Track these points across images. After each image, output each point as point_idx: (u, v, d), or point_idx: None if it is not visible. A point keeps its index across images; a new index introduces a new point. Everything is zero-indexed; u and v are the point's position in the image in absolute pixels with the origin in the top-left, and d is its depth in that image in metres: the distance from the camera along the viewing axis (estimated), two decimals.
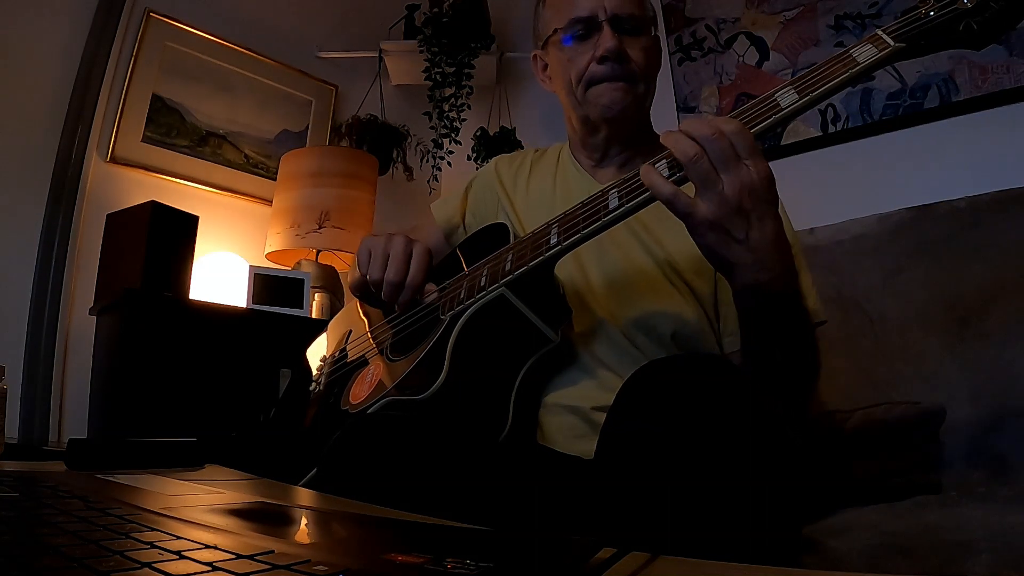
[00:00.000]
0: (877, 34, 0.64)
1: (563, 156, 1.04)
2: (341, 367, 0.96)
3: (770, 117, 0.64)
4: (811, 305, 0.84)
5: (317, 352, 1.08)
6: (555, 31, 0.95)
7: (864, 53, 0.64)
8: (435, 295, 0.87)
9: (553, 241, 0.73)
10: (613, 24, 0.89)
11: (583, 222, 0.71)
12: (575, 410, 0.83)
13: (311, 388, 1.00)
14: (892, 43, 0.63)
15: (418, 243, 0.90)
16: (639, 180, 0.68)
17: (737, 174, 0.62)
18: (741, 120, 0.65)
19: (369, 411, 0.78)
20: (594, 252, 0.89)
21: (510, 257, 0.78)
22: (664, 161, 0.67)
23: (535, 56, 1.03)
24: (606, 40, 0.89)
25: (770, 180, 0.63)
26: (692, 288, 0.87)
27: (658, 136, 0.99)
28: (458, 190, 1.12)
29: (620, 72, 0.90)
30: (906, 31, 0.63)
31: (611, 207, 0.69)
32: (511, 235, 0.85)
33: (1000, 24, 0.61)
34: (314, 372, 1.03)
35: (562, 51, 0.94)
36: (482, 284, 0.79)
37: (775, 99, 0.65)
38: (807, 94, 0.64)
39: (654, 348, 0.85)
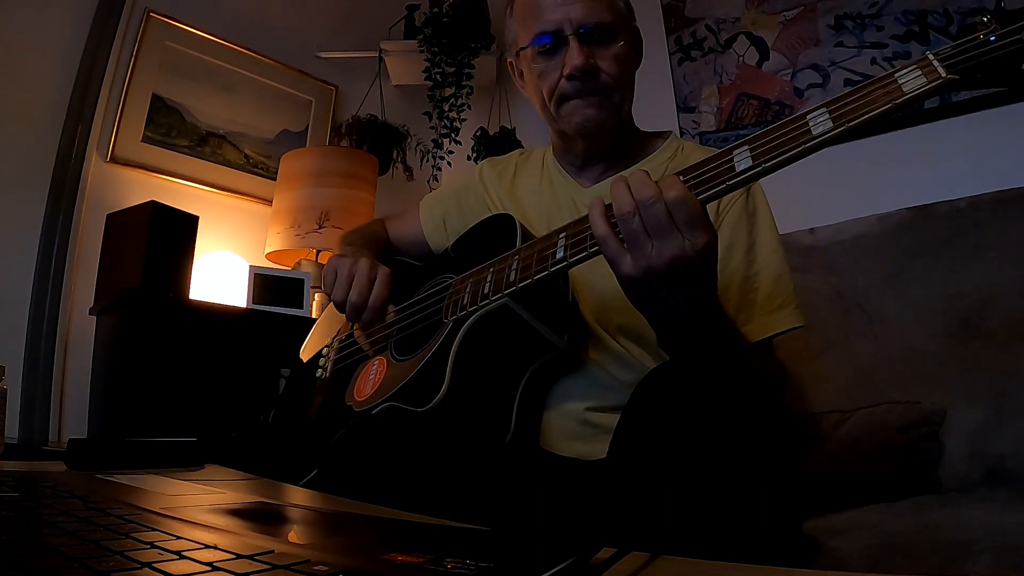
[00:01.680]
0: (927, 59, 0.56)
1: (547, 159, 1.04)
2: (348, 355, 0.96)
3: (801, 145, 0.59)
4: (785, 318, 0.83)
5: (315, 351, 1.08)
6: (524, 45, 0.92)
7: (911, 83, 0.56)
8: (392, 317, 0.89)
9: (560, 255, 0.71)
10: (580, 37, 0.86)
11: (591, 239, 0.68)
12: (572, 412, 0.83)
13: (317, 375, 1.00)
14: (944, 75, 0.55)
15: (383, 268, 0.90)
16: None
17: (669, 244, 0.59)
18: (771, 141, 0.60)
19: (372, 414, 0.78)
20: None
21: (515, 265, 0.76)
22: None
23: (510, 63, 1.01)
24: (573, 57, 0.85)
25: (707, 251, 0.61)
26: None
27: (642, 134, 1.00)
28: (448, 190, 1.13)
29: (591, 88, 0.87)
30: (961, 60, 0.55)
31: None
32: (518, 229, 0.83)
33: None
34: (324, 353, 1.04)
35: (532, 66, 0.92)
36: (486, 291, 0.78)
37: (807, 123, 0.59)
38: (844, 122, 0.57)
39: (642, 352, 0.85)
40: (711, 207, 0.86)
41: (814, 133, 0.58)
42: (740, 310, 0.82)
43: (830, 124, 0.58)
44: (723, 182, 0.61)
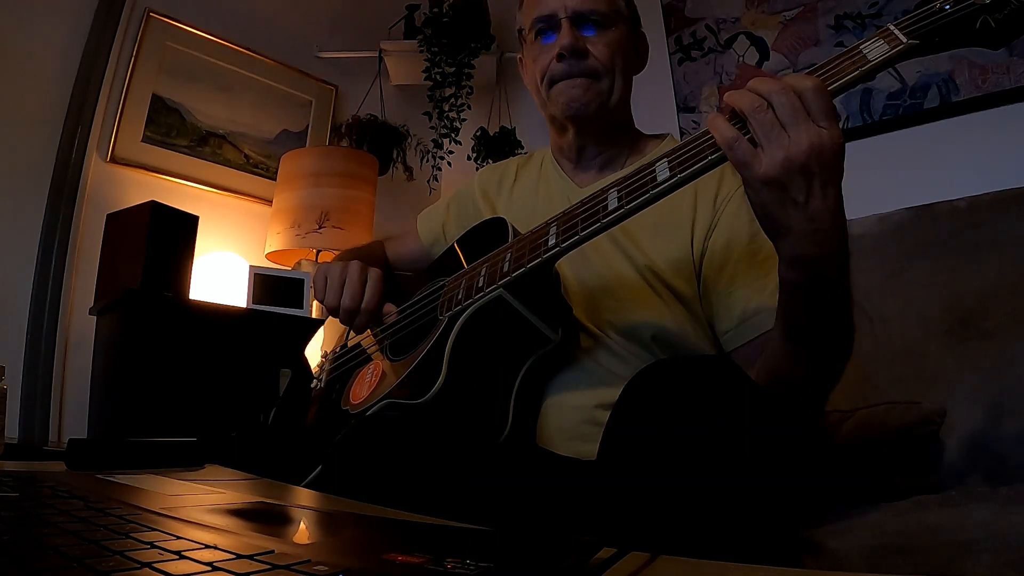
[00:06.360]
0: (888, 29, 0.60)
1: (545, 160, 1.05)
2: (343, 363, 0.96)
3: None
4: None
5: (315, 351, 1.08)
6: (524, 31, 0.97)
7: (875, 50, 0.59)
8: (394, 316, 0.89)
9: (551, 243, 0.72)
10: (573, 21, 0.90)
11: (582, 223, 0.70)
12: (570, 410, 0.83)
13: (312, 384, 1.00)
14: (905, 40, 0.59)
15: (373, 269, 0.91)
16: (639, 179, 0.67)
17: (807, 132, 0.57)
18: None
19: (368, 414, 0.78)
20: (571, 256, 0.85)
21: (508, 257, 0.77)
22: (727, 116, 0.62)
23: (520, 58, 1.04)
24: (563, 37, 0.90)
25: (841, 148, 0.59)
26: (674, 291, 0.86)
27: (642, 135, 1.00)
28: (443, 202, 1.14)
29: (578, 69, 0.90)
30: (920, 27, 0.59)
31: (610, 208, 0.68)
32: (510, 230, 0.85)
33: (1020, 22, 0.56)
34: (316, 367, 1.04)
35: (530, 50, 0.96)
36: (480, 285, 0.78)
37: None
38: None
39: (636, 349, 0.85)
40: (709, 203, 0.87)
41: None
42: (751, 299, 0.81)
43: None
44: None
